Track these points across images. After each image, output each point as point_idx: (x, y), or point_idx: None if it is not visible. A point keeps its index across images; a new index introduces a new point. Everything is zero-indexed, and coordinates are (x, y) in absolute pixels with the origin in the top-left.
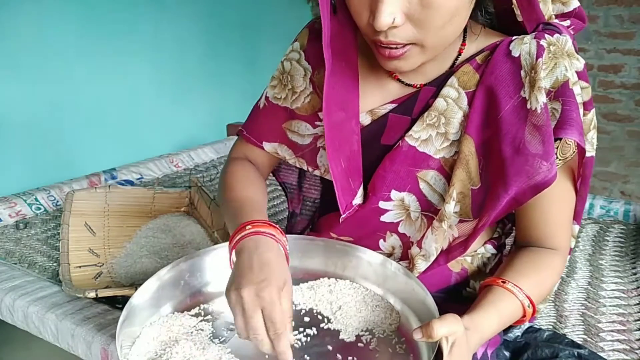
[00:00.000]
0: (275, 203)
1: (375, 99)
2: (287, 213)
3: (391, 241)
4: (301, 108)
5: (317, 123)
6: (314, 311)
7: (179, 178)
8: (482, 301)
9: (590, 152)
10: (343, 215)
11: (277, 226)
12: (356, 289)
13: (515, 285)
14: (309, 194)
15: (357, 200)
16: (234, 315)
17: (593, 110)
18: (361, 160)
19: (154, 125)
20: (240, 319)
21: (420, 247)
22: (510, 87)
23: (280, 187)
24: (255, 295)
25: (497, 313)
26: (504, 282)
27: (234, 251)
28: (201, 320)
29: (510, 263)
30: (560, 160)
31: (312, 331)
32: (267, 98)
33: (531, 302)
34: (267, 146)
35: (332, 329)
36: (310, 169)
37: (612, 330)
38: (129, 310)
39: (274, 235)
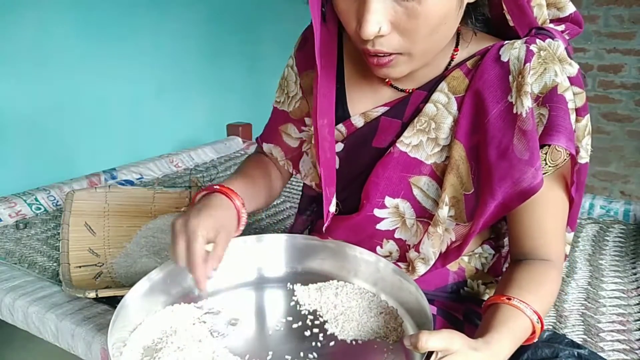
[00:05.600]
0: (275, 203)
1: (368, 102)
2: (287, 213)
3: (388, 247)
4: (293, 112)
5: (303, 128)
6: (317, 313)
7: (179, 178)
8: (492, 322)
9: (585, 158)
10: (325, 224)
11: (236, 193)
12: (363, 294)
13: (521, 301)
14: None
15: (332, 208)
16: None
17: (587, 116)
18: (335, 168)
19: (154, 125)
20: (170, 246)
21: (418, 252)
22: (497, 92)
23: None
24: (183, 225)
25: (509, 333)
26: (509, 299)
27: None
28: (206, 313)
29: (510, 279)
30: (550, 167)
31: (310, 332)
32: (273, 102)
33: (539, 317)
34: (265, 147)
35: (330, 332)
36: (294, 172)
37: (612, 330)
38: (132, 298)
39: (228, 195)
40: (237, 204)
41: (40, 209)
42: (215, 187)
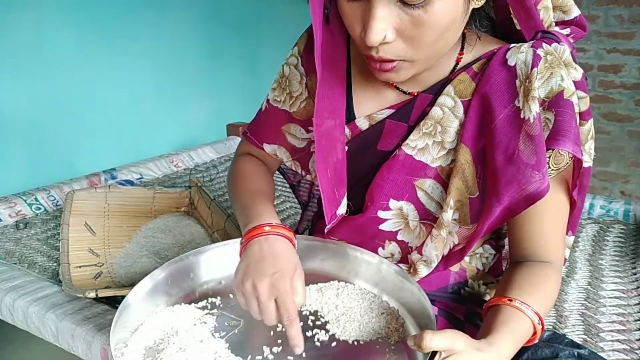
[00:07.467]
0: (275, 203)
1: (373, 104)
2: (287, 213)
3: (390, 249)
4: (297, 112)
5: (310, 128)
6: (318, 313)
7: (179, 178)
8: (493, 323)
9: (588, 162)
10: (328, 226)
11: (289, 228)
12: (364, 295)
13: (522, 302)
14: (302, 198)
15: (341, 210)
16: (249, 302)
17: (591, 121)
18: (346, 170)
19: (154, 125)
20: (256, 307)
21: (420, 254)
22: (504, 96)
23: (279, 187)
24: (271, 286)
25: (511, 334)
26: (510, 301)
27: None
28: (207, 313)
29: (510, 280)
30: (553, 170)
31: (312, 333)
32: (268, 100)
33: (540, 319)
34: (267, 147)
35: (331, 332)
36: (303, 173)
37: (612, 330)
38: (134, 298)
39: (285, 235)
40: (294, 240)
41: (40, 209)
42: (266, 228)
